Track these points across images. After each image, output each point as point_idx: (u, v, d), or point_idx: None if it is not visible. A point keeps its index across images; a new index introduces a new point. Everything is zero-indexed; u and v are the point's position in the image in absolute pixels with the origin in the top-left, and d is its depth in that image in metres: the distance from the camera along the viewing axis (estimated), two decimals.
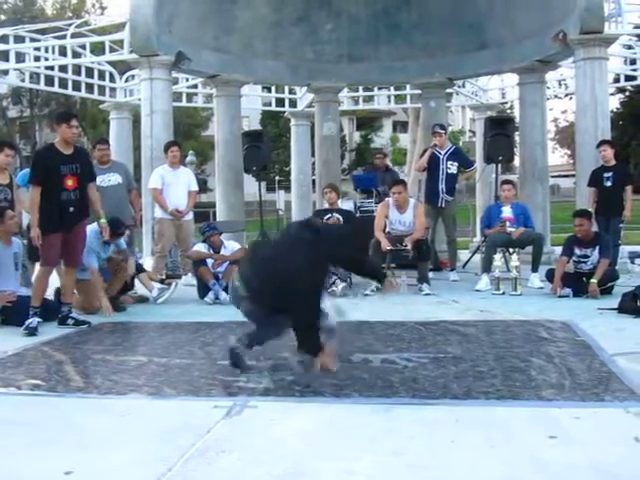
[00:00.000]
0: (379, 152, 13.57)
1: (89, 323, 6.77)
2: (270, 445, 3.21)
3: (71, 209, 6.63)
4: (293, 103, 17.69)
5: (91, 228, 7.51)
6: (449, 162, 10.09)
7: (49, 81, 14.28)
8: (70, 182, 6.65)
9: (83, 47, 13.58)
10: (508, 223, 9.10)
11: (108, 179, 8.99)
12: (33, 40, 13.61)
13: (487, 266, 8.92)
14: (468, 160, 10.78)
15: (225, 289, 8.25)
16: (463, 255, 11.90)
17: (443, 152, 10.13)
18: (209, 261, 8.42)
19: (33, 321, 6.32)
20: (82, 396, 4.16)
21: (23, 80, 15.16)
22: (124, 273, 7.95)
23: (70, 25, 13.57)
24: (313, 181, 16.58)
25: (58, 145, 6.68)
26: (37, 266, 7.01)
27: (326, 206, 9.85)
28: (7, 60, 13.19)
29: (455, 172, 10.18)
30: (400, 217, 8.96)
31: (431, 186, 10.19)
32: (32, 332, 6.20)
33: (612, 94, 30.84)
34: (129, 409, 3.88)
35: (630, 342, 5.35)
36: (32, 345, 5.72)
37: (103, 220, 7.16)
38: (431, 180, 10.21)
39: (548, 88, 16.34)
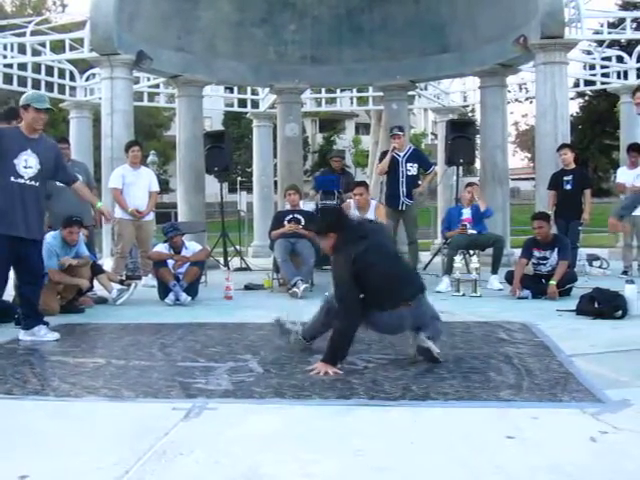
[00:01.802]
0: (336, 155, 13.61)
1: (47, 324, 6.68)
2: (229, 447, 3.18)
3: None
4: (255, 104, 17.66)
5: (54, 232, 7.47)
6: (408, 164, 10.12)
7: (8, 79, 14.10)
8: None
9: (43, 45, 13.44)
10: (468, 225, 9.18)
11: None
12: None
13: (449, 268, 8.97)
14: (428, 162, 10.80)
15: (186, 290, 8.21)
16: (424, 257, 11.97)
17: (402, 154, 10.15)
18: (170, 262, 8.36)
19: None
20: (39, 399, 4.09)
21: None
22: (81, 279, 7.87)
23: (30, 22, 13.41)
24: (275, 182, 16.56)
25: None
26: None
27: (288, 207, 9.85)
28: None
29: (415, 174, 10.21)
30: None
31: (391, 189, 10.19)
32: None
33: (572, 98, 31.26)
34: (86, 412, 3.83)
35: (587, 343, 5.42)
36: None
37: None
38: (391, 183, 10.21)
39: (509, 92, 16.57)
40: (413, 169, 10.17)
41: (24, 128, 6.01)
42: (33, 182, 5.97)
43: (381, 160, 10.49)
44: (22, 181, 5.89)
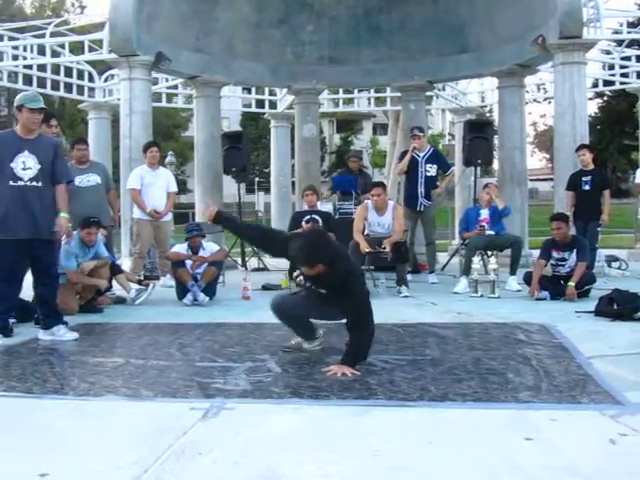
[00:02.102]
0: (353, 155, 13.62)
1: (66, 323, 6.72)
2: (247, 447, 3.19)
3: None
4: (273, 105, 17.69)
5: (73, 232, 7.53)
6: (428, 165, 10.12)
7: (27, 80, 14.20)
8: None
9: (62, 46, 13.53)
10: (486, 226, 9.15)
11: (87, 179, 8.93)
12: (12, 39, 13.56)
13: (467, 269, 8.94)
14: (447, 163, 10.80)
15: (204, 290, 8.23)
16: (442, 258, 11.94)
17: (422, 155, 10.15)
18: (188, 262, 8.39)
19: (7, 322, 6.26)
20: (58, 398, 4.12)
21: (1, 79, 15.04)
22: (99, 280, 7.91)
23: (49, 24, 13.50)
24: (293, 183, 16.57)
25: None
26: None
27: (305, 208, 9.85)
28: None
29: (434, 175, 10.21)
30: (379, 219, 8.97)
31: (410, 189, 10.20)
32: (7, 333, 6.14)
33: (590, 99, 31.10)
34: (106, 411, 3.85)
35: (606, 345, 5.39)
36: (8, 346, 5.66)
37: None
38: (410, 183, 10.22)
39: (527, 92, 16.51)
40: (432, 170, 10.17)
41: (19, 129, 5.97)
42: (35, 183, 5.90)
43: (400, 160, 10.49)
44: (22, 183, 5.84)
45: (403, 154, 10.50)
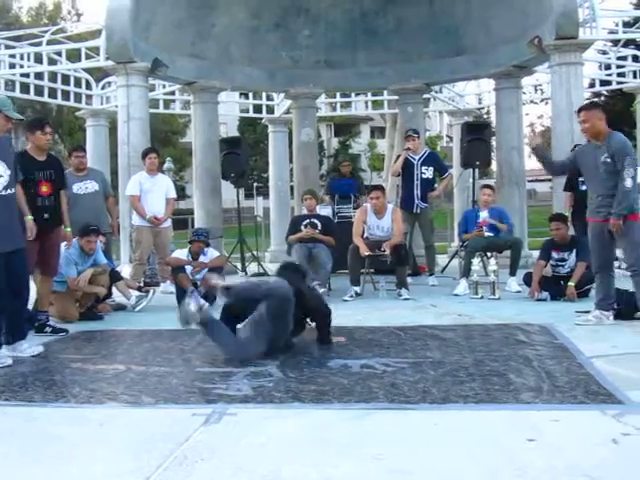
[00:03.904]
0: (345, 160, 13.67)
1: (67, 331, 6.73)
2: (249, 452, 3.19)
3: (46, 215, 6.55)
4: (271, 109, 17.68)
5: (73, 240, 7.53)
6: (424, 167, 10.11)
7: (25, 88, 14.20)
8: (45, 188, 6.59)
9: (59, 54, 13.52)
10: (485, 227, 9.15)
11: (85, 186, 8.93)
12: (8, 47, 13.56)
13: (466, 271, 8.93)
14: (444, 166, 10.77)
15: (203, 296, 8.21)
16: (441, 260, 11.94)
17: (417, 157, 10.14)
18: (188, 268, 8.39)
19: None
20: (60, 405, 4.12)
21: None
22: (99, 287, 7.92)
23: (46, 32, 13.50)
24: (291, 187, 16.57)
25: (31, 152, 6.60)
26: None
27: (305, 212, 9.85)
28: None
29: (430, 177, 10.20)
30: (378, 222, 8.97)
31: (406, 192, 10.18)
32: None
33: (587, 99, 31.05)
34: (107, 418, 3.85)
35: (607, 344, 5.39)
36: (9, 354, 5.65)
37: (68, 229, 7.12)
38: (406, 186, 10.20)
39: (524, 93, 16.52)
40: (428, 172, 10.16)
41: None
42: (9, 190, 5.51)
43: (396, 161, 10.50)
44: None
45: (399, 157, 10.50)
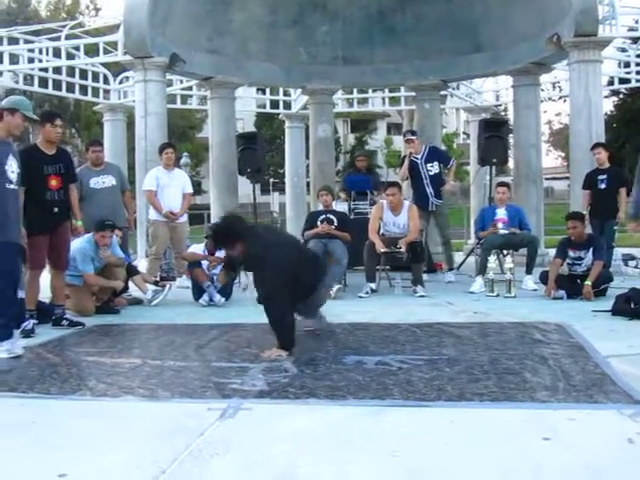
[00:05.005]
0: (361, 154, 13.65)
1: (83, 324, 6.76)
2: (264, 447, 3.20)
3: (55, 209, 6.58)
4: (287, 105, 17.70)
5: (88, 235, 7.55)
6: (428, 165, 10.12)
7: (43, 83, 14.30)
8: (54, 182, 6.59)
9: (77, 49, 13.59)
10: (501, 225, 9.12)
11: (102, 181, 8.96)
12: (27, 42, 13.63)
13: (482, 268, 8.91)
14: (446, 157, 10.82)
15: (220, 291, 8.25)
16: (457, 257, 11.91)
17: (419, 156, 10.15)
18: (204, 263, 8.42)
19: (29, 323, 6.28)
20: (76, 398, 4.14)
21: (17, 82, 15.16)
22: (116, 281, 7.95)
23: (64, 27, 13.58)
24: (307, 183, 16.58)
25: (41, 145, 6.63)
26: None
27: (321, 208, 9.85)
28: (1, 62, 13.22)
29: (438, 172, 10.20)
30: (394, 219, 8.96)
31: (418, 192, 10.19)
32: (28, 334, 6.16)
33: (606, 97, 30.88)
34: (123, 411, 3.87)
35: (624, 344, 5.36)
36: (27, 347, 5.69)
37: (80, 222, 7.15)
38: (417, 186, 10.22)
39: (542, 90, 16.43)
40: (434, 168, 10.17)
41: (1, 132, 5.63)
42: (19, 186, 5.72)
43: (401, 165, 10.55)
44: (13, 187, 5.60)
45: (404, 159, 10.52)
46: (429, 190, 10.05)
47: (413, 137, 10.32)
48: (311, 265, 5.61)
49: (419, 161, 10.12)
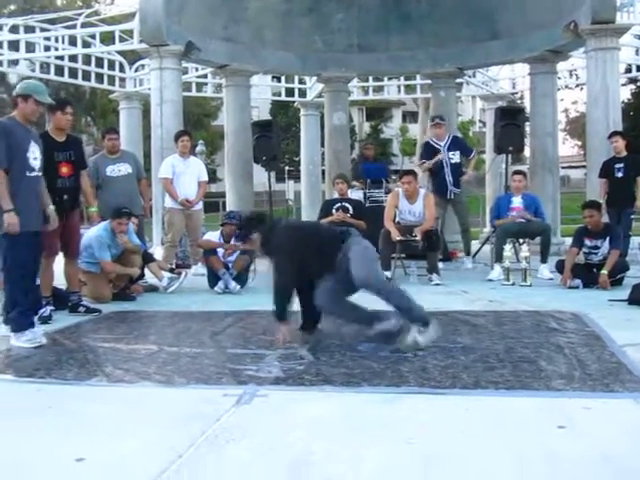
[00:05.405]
0: (368, 143, 13.71)
1: (100, 311, 6.81)
2: (280, 433, 3.22)
3: (65, 196, 6.60)
4: (303, 93, 17.69)
5: (104, 223, 7.59)
6: (450, 153, 10.15)
7: (59, 71, 14.35)
8: (65, 169, 6.63)
9: (93, 37, 13.64)
10: (515, 212, 9.09)
11: (118, 169, 8.99)
12: (43, 30, 13.69)
13: (499, 256, 8.89)
14: (468, 148, 10.83)
15: (235, 278, 8.28)
16: (473, 246, 11.88)
17: (443, 144, 10.16)
18: (220, 250, 8.44)
19: (46, 310, 6.33)
20: (93, 384, 4.18)
21: (33, 70, 15.22)
22: (132, 269, 7.99)
23: (80, 15, 13.64)
24: (323, 171, 16.58)
25: (52, 132, 6.65)
26: None
27: (336, 196, 9.85)
28: (17, 50, 13.28)
29: (458, 161, 10.22)
30: (410, 207, 8.94)
31: (438, 180, 10.20)
32: (45, 321, 6.21)
33: (623, 85, 30.68)
34: (140, 397, 3.90)
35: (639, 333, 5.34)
36: (44, 333, 5.73)
37: (94, 209, 7.16)
38: (437, 174, 10.23)
39: (559, 78, 16.32)
40: (455, 157, 10.19)
41: (20, 118, 5.59)
42: (40, 173, 5.68)
43: (421, 153, 10.56)
44: (34, 174, 5.56)
45: (426, 145, 10.52)
46: (449, 178, 10.06)
47: (443, 122, 10.36)
48: (330, 241, 5.52)
49: (442, 148, 10.12)
